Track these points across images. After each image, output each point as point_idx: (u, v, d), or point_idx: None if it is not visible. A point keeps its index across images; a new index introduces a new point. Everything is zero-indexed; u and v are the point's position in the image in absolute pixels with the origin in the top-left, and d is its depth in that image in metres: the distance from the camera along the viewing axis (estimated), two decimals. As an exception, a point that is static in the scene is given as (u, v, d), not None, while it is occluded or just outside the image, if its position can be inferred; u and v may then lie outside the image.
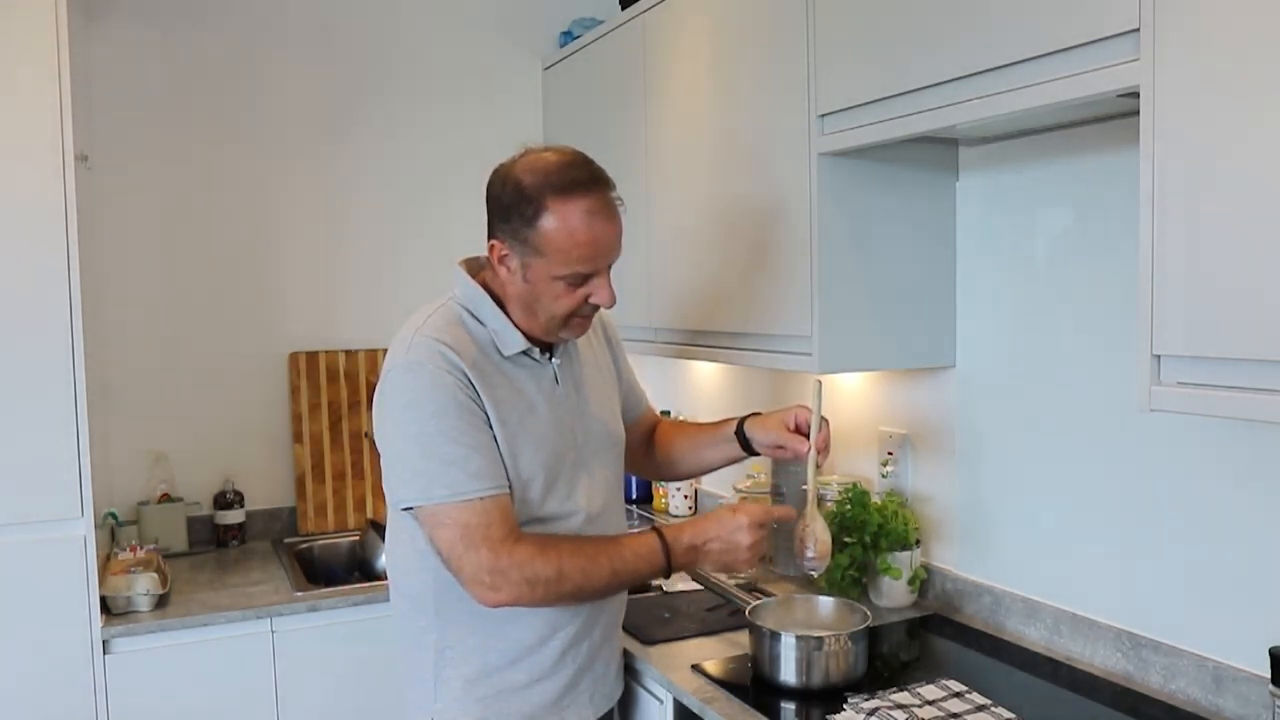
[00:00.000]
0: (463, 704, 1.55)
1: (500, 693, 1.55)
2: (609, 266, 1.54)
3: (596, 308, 1.56)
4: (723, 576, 2.19)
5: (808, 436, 1.67)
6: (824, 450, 1.66)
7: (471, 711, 1.55)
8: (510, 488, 1.48)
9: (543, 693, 1.57)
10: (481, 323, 1.55)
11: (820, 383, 1.68)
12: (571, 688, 1.60)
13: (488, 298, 1.55)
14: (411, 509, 1.48)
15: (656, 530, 1.52)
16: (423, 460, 1.44)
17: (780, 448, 1.71)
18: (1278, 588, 1.49)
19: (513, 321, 1.55)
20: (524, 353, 1.55)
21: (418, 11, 3.04)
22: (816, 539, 1.66)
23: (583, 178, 1.49)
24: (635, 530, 1.57)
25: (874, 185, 1.92)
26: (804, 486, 1.69)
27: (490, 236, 1.53)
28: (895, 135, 1.67)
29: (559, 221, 1.46)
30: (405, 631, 1.60)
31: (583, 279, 1.50)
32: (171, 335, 2.78)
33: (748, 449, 1.77)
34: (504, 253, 1.52)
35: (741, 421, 1.77)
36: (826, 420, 1.67)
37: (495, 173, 1.54)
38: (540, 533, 1.51)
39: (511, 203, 1.48)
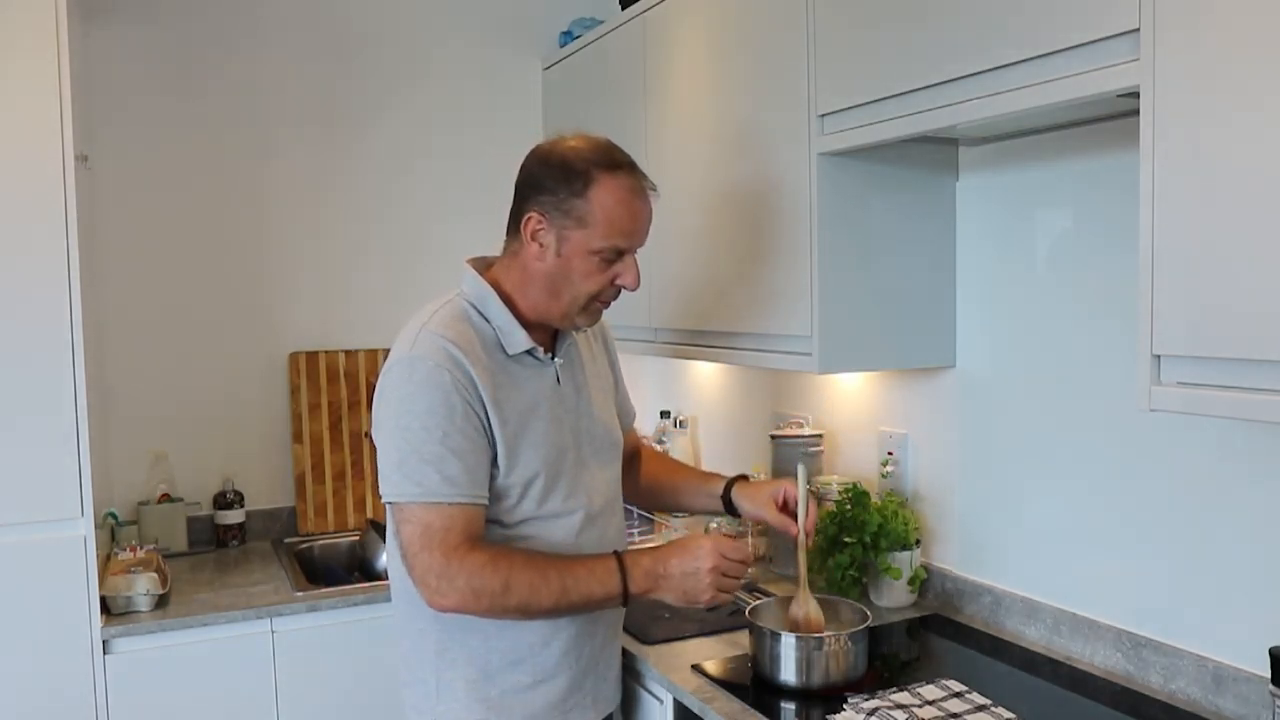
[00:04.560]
0: (465, 705, 1.55)
1: (503, 694, 1.55)
2: (638, 249, 1.57)
3: (618, 293, 1.58)
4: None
5: (794, 515, 1.67)
6: (811, 532, 1.68)
7: (474, 713, 1.54)
8: (485, 500, 1.48)
9: (547, 694, 1.57)
10: (487, 320, 1.55)
11: (803, 466, 1.69)
12: (575, 690, 1.60)
13: (495, 295, 1.56)
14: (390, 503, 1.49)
15: (617, 553, 1.51)
16: (403, 455, 1.44)
17: (765, 521, 1.72)
18: (1278, 588, 1.49)
19: (518, 320, 1.56)
20: (527, 352, 1.56)
21: (418, 11, 3.04)
22: (809, 619, 1.70)
23: (626, 160, 1.55)
24: (599, 554, 1.53)
25: (874, 185, 1.92)
26: (794, 573, 1.69)
27: (525, 211, 1.54)
28: (895, 135, 1.67)
29: (606, 194, 1.50)
30: (405, 632, 1.59)
31: (615, 256, 1.53)
32: (171, 335, 2.78)
33: (730, 510, 1.77)
34: (540, 226, 1.52)
35: (730, 483, 1.77)
36: (814, 498, 1.68)
37: (534, 152, 1.58)
38: (507, 542, 1.52)
39: (558, 175, 1.51)
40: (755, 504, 1.72)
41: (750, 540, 2.39)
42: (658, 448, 2.95)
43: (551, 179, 1.51)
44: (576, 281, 1.53)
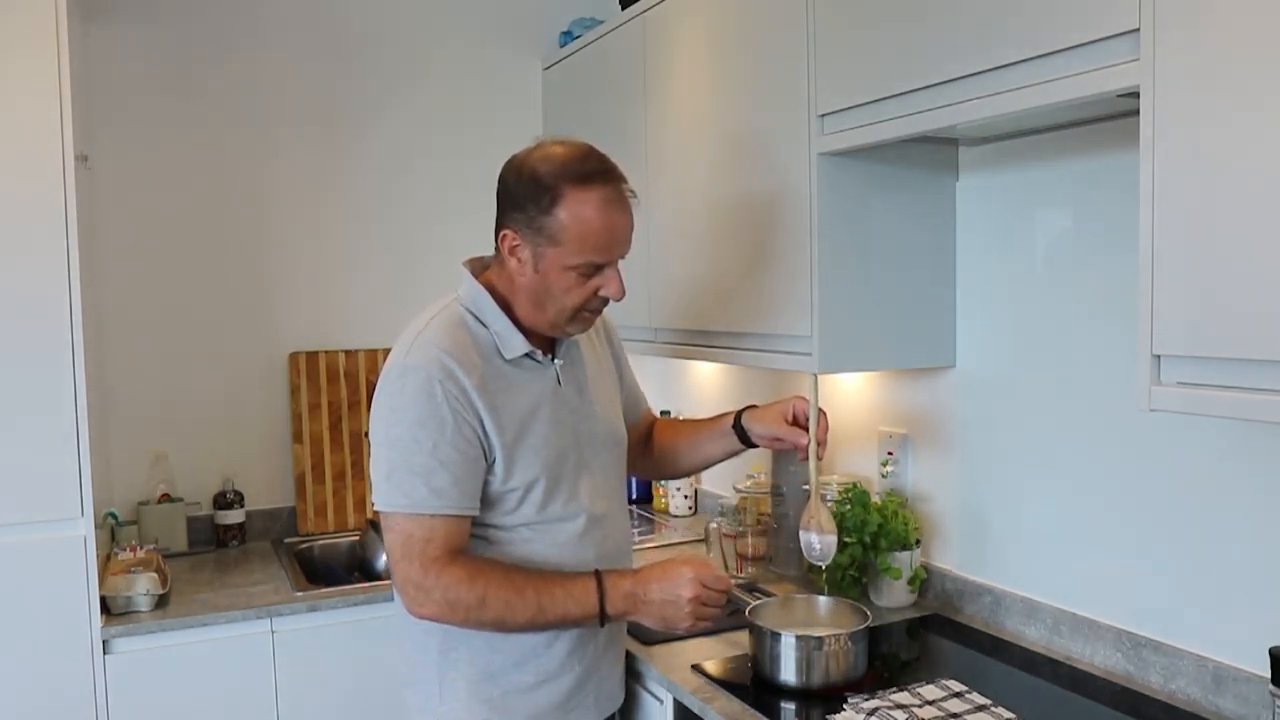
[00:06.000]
0: (468, 706, 1.54)
1: (506, 694, 1.55)
2: (619, 259, 1.54)
3: (605, 301, 1.55)
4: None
5: (806, 428, 1.68)
6: (823, 442, 1.68)
7: (477, 713, 1.54)
8: (473, 512, 1.48)
9: (549, 694, 1.57)
10: (484, 324, 1.54)
11: (816, 377, 1.69)
12: (578, 690, 1.60)
13: (490, 299, 1.55)
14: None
15: (597, 573, 1.50)
16: (392, 465, 1.45)
17: (778, 440, 1.72)
18: (1278, 588, 1.49)
19: (515, 323, 1.55)
20: (526, 355, 1.55)
21: (418, 11, 3.04)
22: (821, 528, 1.72)
23: (599, 169, 1.50)
24: (580, 573, 1.51)
25: (874, 185, 1.92)
26: (805, 486, 1.70)
27: (501, 227, 1.53)
28: (895, 135, 1.67)
29: (576, 210, 1.46)
30: (408, 633, 1.59)
31: (594, 270, 1.51)
32: (171, 335, 2.78)
33: (746, 442, 1.76)
34: (515, 243, 1.51)
35: (739, 415, 1.77)
36: (824, 412, 1.68)
37: (508, 164, 1.54)
38: (508, 545, 1.52)
39: (528, 192, 1.48)
40: (766, 424, 1.72)
41: (750, 540, 2.39)
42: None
43: (522, 195, 1.49)
44: (558, 295, 1.51)
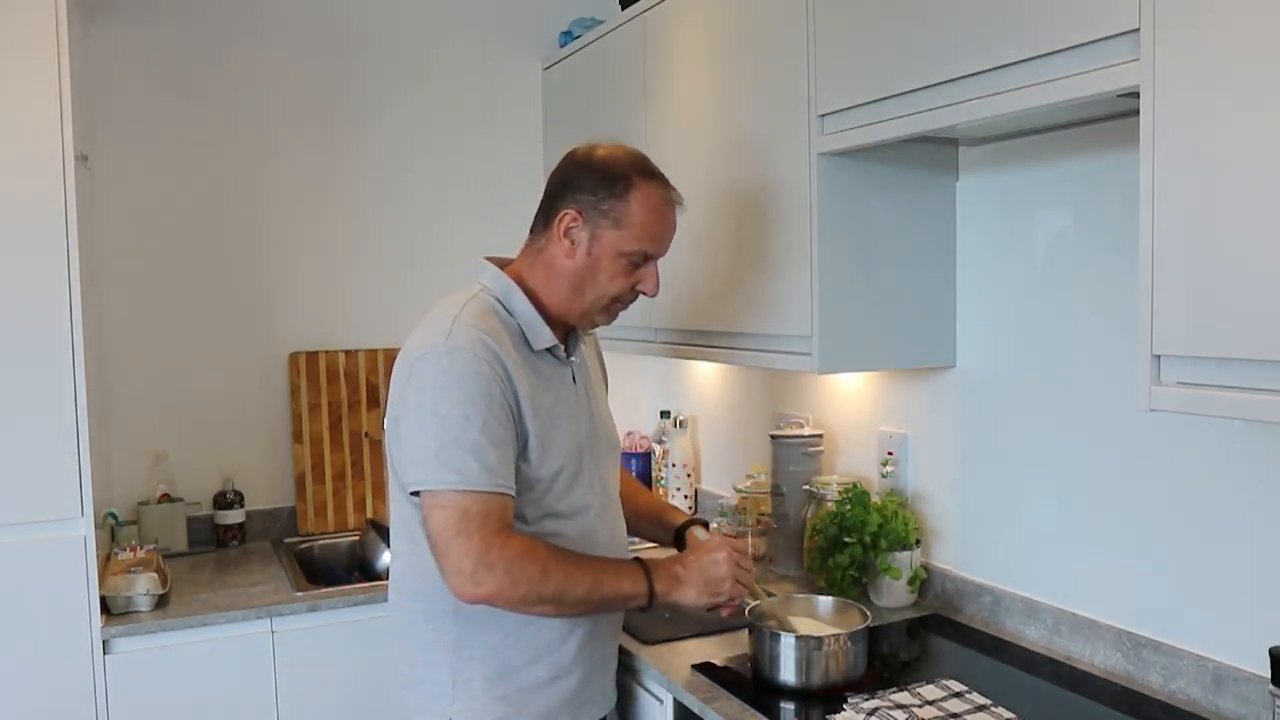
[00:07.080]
0: (482, 704, 1.55)
1: (521, 691, 1.55)
2: (661, 256, 1.63)
3: (636, 296, 1.63)
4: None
5: None
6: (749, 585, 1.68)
7: (491, 711, 1.55)
8: (515, 492, 1.48)
9: (562, 690, 1.58)
10: (512, 315, 1.57)
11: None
12: (586, 685, 1.62)
13: (519, 290, 1.58)
14: (419, 493, 1.47)
15: (638, 558, 1.56)
16: (440, 442, 1.43)
17: None
18: (1278, 588, 1.49)
19: (542, 315, 1.58)
20: (548, 349, 1.58)
21: (418, 12, 3.04)
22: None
23: (658, 171, 1.63)
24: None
25: (874, 185, 1.92)
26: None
27: (561, 209, 1.58)
28: (895, 135, 1.67)
29: (644, 200, 1.57)
30: (415, 633, 1.59)
31: (643, 260, 1.60)
32: (172, 335, 2.78)
33: (679, 547, 1.81)
34: (575, 223, 1.57)
35: (685, 526, 1.81)
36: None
37: (571, 156, 1.63)
38: (540, 534, 1.53)
39: (599, 177, 1.57)
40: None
41: (750, 540, 2.39)
42: (657, 449, 2.96)
43: (591, 180, 1.56)
44: (602, 281, 1.58)
